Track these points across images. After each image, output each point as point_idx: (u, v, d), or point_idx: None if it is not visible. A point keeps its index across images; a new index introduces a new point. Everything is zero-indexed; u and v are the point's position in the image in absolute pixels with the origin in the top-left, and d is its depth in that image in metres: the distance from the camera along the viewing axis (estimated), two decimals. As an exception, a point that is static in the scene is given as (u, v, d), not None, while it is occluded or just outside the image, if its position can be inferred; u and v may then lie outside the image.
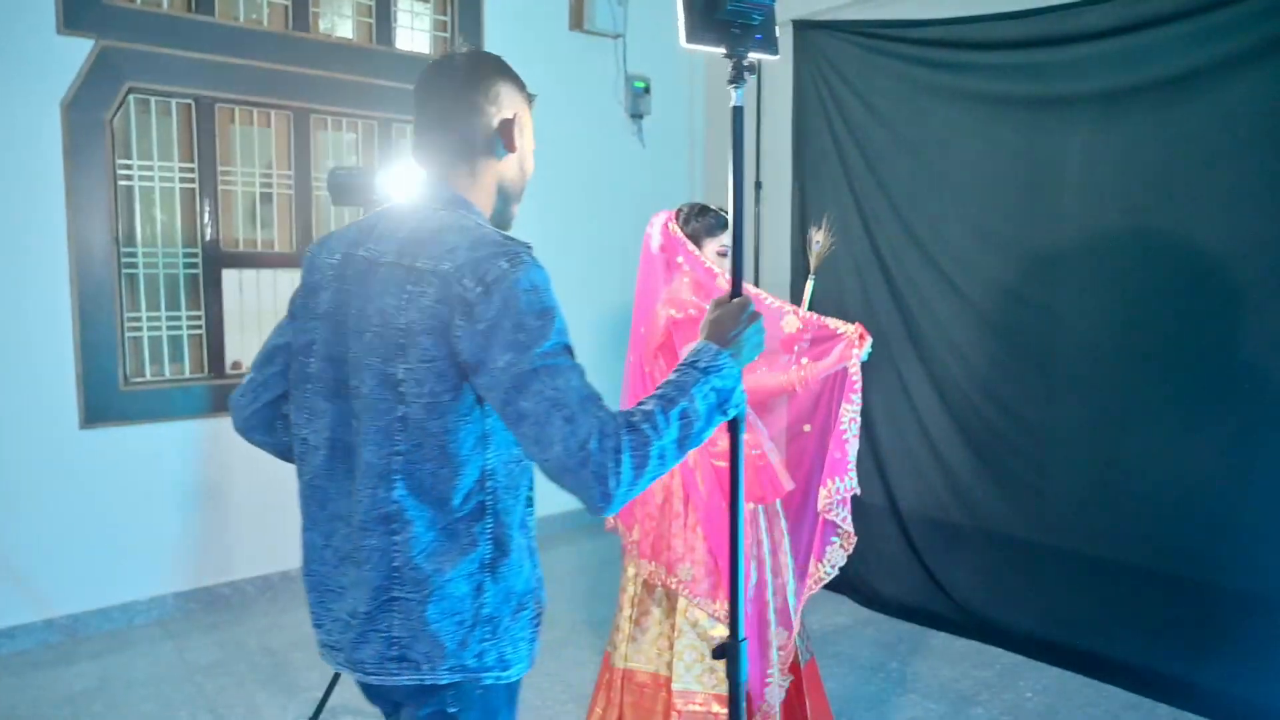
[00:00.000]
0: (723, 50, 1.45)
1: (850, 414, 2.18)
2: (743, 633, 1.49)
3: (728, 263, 2.19)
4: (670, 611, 2.37)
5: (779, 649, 2.30)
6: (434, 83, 1.27)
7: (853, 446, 2.19)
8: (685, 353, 1.26)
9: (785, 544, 2.36)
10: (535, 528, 1.27)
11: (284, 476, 1.33)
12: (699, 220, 2.35)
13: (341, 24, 3.85)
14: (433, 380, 1.11)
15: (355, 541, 1.16)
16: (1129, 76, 3.02)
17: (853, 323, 2.20)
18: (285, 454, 1.36)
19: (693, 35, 1.44)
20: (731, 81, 1.46)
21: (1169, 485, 2.94)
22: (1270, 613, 2.71)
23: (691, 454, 2.27)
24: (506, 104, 1.28)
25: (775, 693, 2.27)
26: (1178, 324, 2.94)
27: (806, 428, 2.33)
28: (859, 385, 2.17)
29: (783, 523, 2.37)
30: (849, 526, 2.22)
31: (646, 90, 4.71)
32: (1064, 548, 3.22)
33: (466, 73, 1.26)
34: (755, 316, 1.31)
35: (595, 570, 4.08)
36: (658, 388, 1.18)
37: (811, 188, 3.99)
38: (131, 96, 3.30)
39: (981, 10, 3.40)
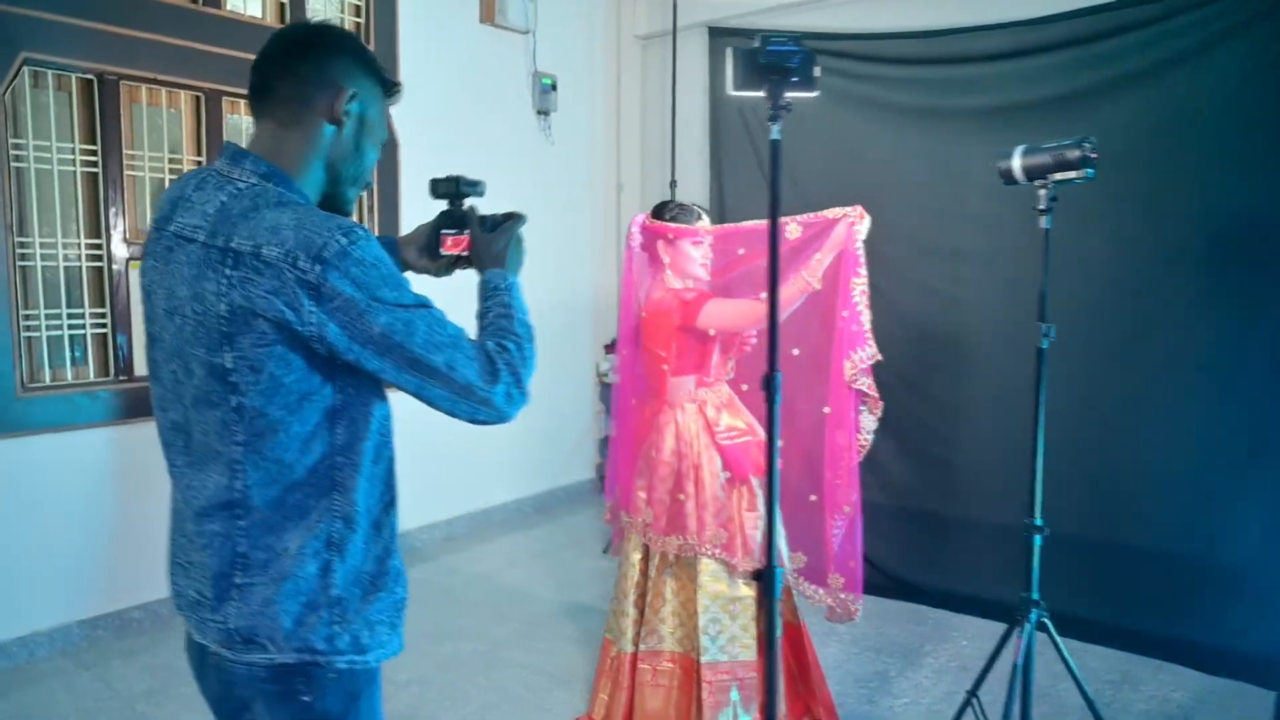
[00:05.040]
0: (763, 93, 1.58)
1: (859, 287, 2.31)
2: (775, 561, 1.68)
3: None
4: (680, 590, 2.48)
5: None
6: (271, 48, 1.19)
7: (866, 317, 2.33)
8: (485, 286, 1.30)
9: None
10: (396, 514, 1.24)
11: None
12: (679, 210, 2.49)
13: (252, 3, 3.61)
14: (272, 363, 1.07)
15: (199, 525, 1.14)
16: (1020, 94, 3.44)
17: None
18: None
19: (739, 83, 1.59)
20: (769, 119, 1.59)
21: (1065, 453, 3.38)
22: (1148, 559, 3.20)
23: (696, 443, 2.41)
24: (344, 78, 1.18)
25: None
26: (1070, 310, 3.37)
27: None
28: (863, 258, 2.31)
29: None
30: (875, 393, 2.36)
31: (554, 87, 4.75)
32: (969, 514, 3.62)
33: (304, 41, 1.20)
34: (507, 234, 1.36)
35: (559, 553, 4.11)
36: (487, 323, 1.23)
37: (729, 187, 4.21)
38: (26, 68, 2.95)
39: (885, 26, 3.74)
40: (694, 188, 4.49)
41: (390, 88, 1.27)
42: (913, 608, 3.55)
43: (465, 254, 1.37)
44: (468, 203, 1.40)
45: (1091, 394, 3.35)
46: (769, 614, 1.69)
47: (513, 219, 1.38)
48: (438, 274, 1.44)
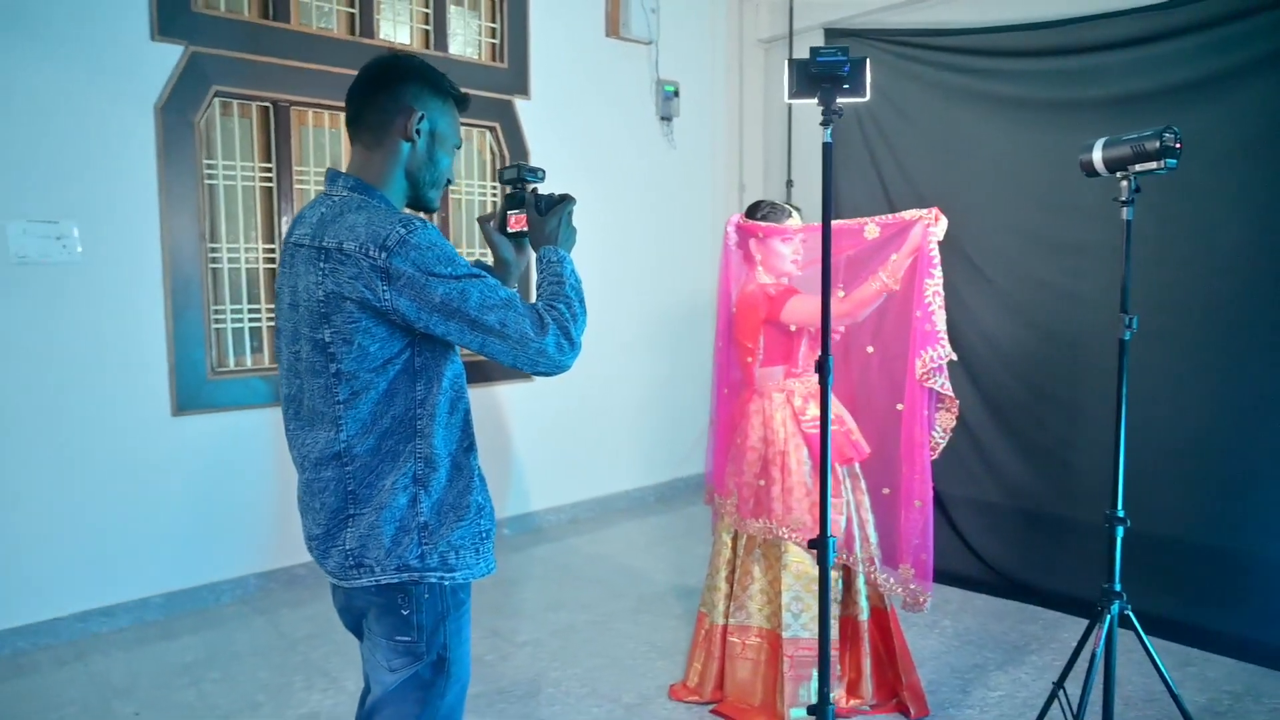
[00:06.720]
0: (815, 100, 1.74)
1: (933, 288, 2.36)
2: (830, 530, 1.85)
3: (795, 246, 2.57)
4: (768, 569, 2.63)
5: (866, 581, 2.59)
6: (355, 84, 1.45)
7: (939, 317, 2.38)
8: (539, 261, 1.51)
9: (866, 501, 2.63)
10: (476, 455, 1.48)
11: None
12: (770, 209, 2.64)
13: (401, 30, 4.03)
14: (360, 335, 1.32)
15: (315, 473, 1.41)
16: (1143, 82, 3.33)
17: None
18: None
19: (794, 92, 1.74)
20: (822, 123, 1.75)
21: (1187, 455, 3.25)
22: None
23: (783, 431, 2.55)
24: (414, 101, 1.43)
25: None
26: (1192, 308, 3.25)
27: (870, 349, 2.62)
28: (938, 260, 2.36)
29: (863, 483, 2.64)
30: (949, 390, 2.42)
31: (676, 94, 4.96)
32: (1090, 516, 3.52)
33: (380, 73, 1.44)
34: (557, 215, 1.56)
35: (676, 540, 4.36)
36: (541, 291, 1.45)
37: (844, 184, 4.26)
38: (217, 99, 3.46)
39: (1003, 19, 3.70)
40: (814, 187, 4.58)
41: (462, 101, 1.52)
42: (1027, 608, 3.51)
43: (525, 230, 1.58)
44: (530, 187, 1.61)
45: (1224, 390, 3.20)
46: (822, 579, 1.83)
47: (564, 201, 1.58)
48: (518, 251, 1.67)
